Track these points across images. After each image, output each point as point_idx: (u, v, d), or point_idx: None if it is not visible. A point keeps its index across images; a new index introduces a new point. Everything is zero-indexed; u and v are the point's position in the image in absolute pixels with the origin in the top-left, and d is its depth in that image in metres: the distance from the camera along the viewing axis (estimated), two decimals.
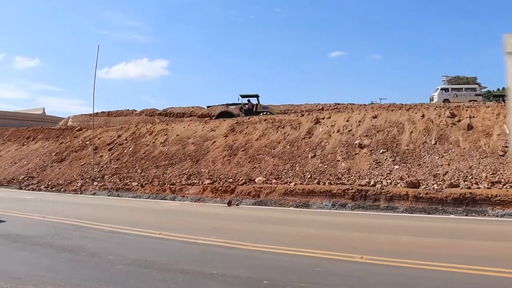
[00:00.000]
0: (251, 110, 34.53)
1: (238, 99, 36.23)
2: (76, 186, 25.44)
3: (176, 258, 8.90)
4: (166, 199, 20.35)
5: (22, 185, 28.23)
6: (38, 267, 8.50)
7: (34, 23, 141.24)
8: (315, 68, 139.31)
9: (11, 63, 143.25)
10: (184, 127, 28.41)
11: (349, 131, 21.68)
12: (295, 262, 8.52)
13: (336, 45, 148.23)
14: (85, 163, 28.58)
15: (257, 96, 35.31)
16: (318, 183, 18.59)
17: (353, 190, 17.00)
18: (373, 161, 19.13)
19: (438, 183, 16.88)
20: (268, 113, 33.67)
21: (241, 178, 20.54)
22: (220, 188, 19.98)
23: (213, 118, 35.75)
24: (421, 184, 16.97)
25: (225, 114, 35.56)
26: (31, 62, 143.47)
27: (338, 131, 21.94)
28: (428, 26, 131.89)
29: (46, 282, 7.52)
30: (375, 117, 22.20)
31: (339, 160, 19.96)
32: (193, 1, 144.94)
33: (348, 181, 18.23)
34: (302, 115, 25.51)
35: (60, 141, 34.63)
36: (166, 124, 30.46)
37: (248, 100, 35.19)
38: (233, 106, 37.55)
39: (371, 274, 7.57)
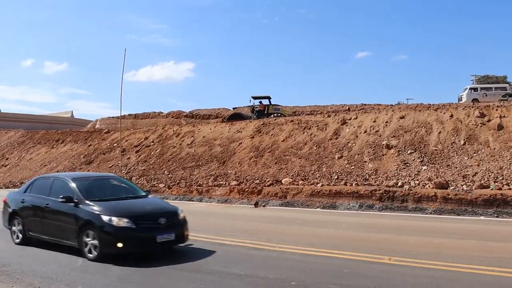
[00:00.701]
0: (262, 111, 34.60)
1: (250, 100, 36.28)
2: None
3: (204, 259, 8.95)
4: (193, 201, 20.47)
5: None
6: (69, 268, 8.64)
7: (63, 28, 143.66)
8: (341, 69, 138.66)
9: (40, 68, 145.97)
10: (210, 129, 28.53)
11: (376, 131, 21.50)
12: (323, 263, 8.49)
13: (362, 45, 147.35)
14: (113, 165, 28.91)
15: (269, 98, 35.34)
16: (345, 184, 18.48)
17: (381, 191, 16.86)
18: (401, 162, 18.93)
19: (468, 184, 16.63)
20: (280, 114, 33.68)
21: (267, 179, 20.54)
22: (247, 189, 20.01)
23: (225, 120, 35.92)
24: (450, 185, 16.73)
25: (236, 116, 35.82)
26: (59, 67, 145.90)
27: (365, 131, 21.77)
28: (456, 25, 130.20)
29: (77, 282, 7.63)
30: (402, 117, 21.97)
31: (366, 161, 19.81)
32: (219, 4, 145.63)
33: (375, 182, 18.08)
34: (329, 116, 25.39)
35: (89, 144, 35.09)
36: (193, 126, 30.62)
37: (260, 102, 35.20)
38: (247, 108, 37.52)
39: (400, 276, 7.49)
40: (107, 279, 7.77)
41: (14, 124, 52.73)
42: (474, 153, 18.55)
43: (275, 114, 33.76)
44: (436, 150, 19.20)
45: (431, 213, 15.27)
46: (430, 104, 29.58)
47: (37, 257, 9.69)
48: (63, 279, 7.85)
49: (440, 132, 20.20)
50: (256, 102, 35.42)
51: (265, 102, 35.14)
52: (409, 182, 17.38)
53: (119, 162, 28.34)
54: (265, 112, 34.30)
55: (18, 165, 37.73)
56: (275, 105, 35.37)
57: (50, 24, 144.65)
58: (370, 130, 21.68)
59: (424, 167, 18.27)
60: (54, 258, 9.51)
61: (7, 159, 40.62)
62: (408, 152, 19.37)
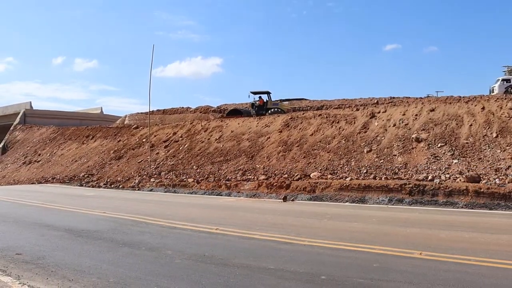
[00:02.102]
0: (261, 106, 34.99)
1: (249, 96, 36.96)
2: (134, 183, 26.06)
3: (234, 253, 8.98)
4: (221, 195, 20.56)
5: (83, 182, 29.17)
6: (101, 261, 8.77)
7: (92, 26, 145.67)
8: (369, 62, 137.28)
9: (71, 65, 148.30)
10: (238, 123, 28.59)
11: (405, 125, 21.26)
12: (353, 257, 8.44)
13: (391, 38, 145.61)
14: (142, 160, 29.22)
15: (268, 93, 35.81)
16: (374, 178, 18.35)
17: (411, 185, 16.68)
18: (431, 155, 18.69)
19: (500, 177, 16.33)
20: (278, 109, 34.24)
21: (296, 174, 20.51)
22: (275, 183, 20.01)
23: (224, 116, 36.47)
24: (481, 178, 16.46)
25: (234, 112, 36.39)
26: (89, 64, 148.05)
27: (394, 125, 21.55)
28: (488, 15, 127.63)
29: (109, 275, 7.74)
30: (432, 110, 21.68)
31: (395, 155, 19.61)
32: None
33: (405, 176, 17.90)
34: (357, 110, 25.21)
35: (118, 139, 35.53)
36: (221, 121, 30.75)
37: (260, 97, 35.56)
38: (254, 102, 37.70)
39: (431, 271, 7.41)
40: (138, 272, 7.86)
41: (46, 121, 53.67)
42: (507, 146, 18.19)
43: (274, 109, 34.38)
44: (467, 143, 18.90)
45: (462, 207, 15.05)
46: (460, 97, 29.15)
47: (69, 250, 9.86)
48: (95, 272, 7.98)
49: (471, 125, 19.86)
50: (256, 97, 35.96)
51: (265, 97, 35.69)
52: (440, 176, 17.15)
53: (148, 157, 28.64)
54: (264, 107, 34.76)
55: (50, 161, 38.47)
56: (274, 100, 36.00)
57: (80, 21, 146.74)
58: (399, 123, 21.45)
59: (455, 161, 18.00)
60: (86, 252, 9.68)
61: (39, 155, 41.44)
62: (439, 145, 19.11)
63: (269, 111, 33.97)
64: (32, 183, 33.40)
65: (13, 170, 40.96)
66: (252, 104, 35.97)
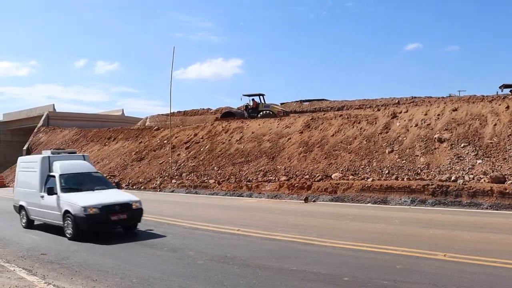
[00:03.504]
0: (254, 109, 35.51)
1: (241, 98, 37.44)
2: (155, 184, 26.22)
3: (256, 254, 8.98)
4: (242, 196, 20.59)
5: None
6: (124, 261, 8.85)
7: (113, 29, 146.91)
8: (389, 62, 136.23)
9: (93, 68, 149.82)
10: (259, 125, 28.58)
11: (427, 125, 21.02)
12: (375, 259, 8.39)
13: (411, 37, 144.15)
14: (163, 162, 29.39)
15: (261, 95, 36.05)
16: (396, 178, 18.19)
17: (433, 186, 16.50)
18: (454, 156, 18.46)
19: None
20: (269, 112, 34.49)
21: (317, 174, 20.44)
22: (297, 184, 19.97)
23: (218, 118, 36.93)
24: (507, 179, 16.19)
25: (228, 114, 36.86)
26: (111, 66, 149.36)
27: (416, 125, 21.31)
28: (509, 12, 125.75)
29: (132, 275, 7.81)
30: (455, 110, 21.40)
31: (417, 155, 19.41)
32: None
33: (427, 177, 17.71)
34: (378, 110, 25.02)
35: (139, 141, 35.76)
36: (241, 122, 30.74)
37: (253, 99, 35.90)
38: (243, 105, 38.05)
39: (456, 273, 7.31)
40: (161, 273, 7.91)
41: (68, 123, 54.22)
42: None
43: (265, 111, 34.63)
44: (491, 143, 18.61)
45: (487, 208, 14.84)
46: (484, 96, 28.73)
47: (93, 251, 9.98)
48: (118, 272, 8.05)
49: (495, 124, 19.55)
50: (247, 100, 36.47)
51: (258, 99, 36.22)
52: (463, 177, 16.93)
53: (170, 158, 28.78)
54: (257, 109, 35.19)
55: None
56: (267, 103, 36.24)
57: (101, 24, 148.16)
58: (422, 124, 21.22)
59: (479, 161, 17.75)
60: (109, 252, 9.77)
61: None
62: (462, 145, 18.86)
63: (260, 113, 34.46)
64: None
65: None
66: (246, 106, 36.43)
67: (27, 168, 14.43)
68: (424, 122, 21.14)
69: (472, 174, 17.00)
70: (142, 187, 26.54)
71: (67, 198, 11.89)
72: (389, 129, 21.92)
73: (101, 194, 12.45)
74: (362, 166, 19.97)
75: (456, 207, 15.23)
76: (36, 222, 13.80)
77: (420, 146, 19.74)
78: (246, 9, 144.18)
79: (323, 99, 46.80)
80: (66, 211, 11.68)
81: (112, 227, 12.10)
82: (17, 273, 8.10)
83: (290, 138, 25.04)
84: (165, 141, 32.54)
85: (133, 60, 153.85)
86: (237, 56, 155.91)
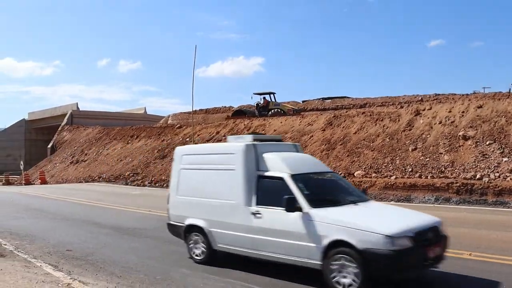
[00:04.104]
0: (265, 107, 35.84)
1: (251, 97, 37.97)
2: None
3: None
4: None
5: (128, 181, 29.72)
6: (147, 258, 8.94)
7: (136, 28, 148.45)
8: (412, 59, 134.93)
9: (115, 67, 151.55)
10: (281, 122, 28.55)
11: (451, 122, 20.76)
12: None
13: (435, 33, 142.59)
14: None
15: (272, 94, 36.42)
16: (420, 176, 18.02)
17: (458, 184, 16.32)
18: (479, 153, 18.20)
19: None
20: (279, 110, 35.02)
21: (340, 172, 20.32)
22: None
23: (230, 116, 37.32)
24: None
25: (239, 113, 37.22)
26: (133, 65, 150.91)
27: (440, 122, 21.07)
28: None
29: (156, 272, 7.87)
30: (480, 107, 21.09)
31: (441, 153, 19.19)
32: None
33: (451, 175, 17.51)
34: (401, 107, 24.80)
35: (162, 139, 35.98)
36: (263, 120, 30.74)
37: (264, 98, 36.21)
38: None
39: (482, 272, 7.24)
40: (184, 269, 7.94)
41: (92, 121, 54.88)
42: None
43: (275, 110, 35.18)
44: None
45: None
46: (510, 92, 28.28)
47: (117, 247, 10.08)
48: (142, 269, 8.13)
49: None
50: (258, 98, 36.91)
51: (269, 98, 36.68)
52: (489, 175, 16.70)
53: None
54: (267, 107, 35.52)
55: (96, 160, 39.30)
56: (277, 102, 36.79)
57: (123, 24, 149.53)
58: (446, 121, 20.96)
59: (505, 159, 17.48)
60: (133, 249, 9.86)
61: (86, 154, 42.39)
62: (487, 143, 18.59)
63: (270, 112, 34.69)
64: (79, 182, 34.26)
65: (61, 169, 42.07)
66: (257, 105, 36.70)
67: (207, 163, 9.07)
68: (448, 120, 20.89)
69: (497, 172, 16.75)
70: (165, 185, 26.66)
71: (333, 218, 7.01)
72: (413, 126, 21.71)
73: (376, 211, 7.98)
74: (385, 164, 19.83)
75: (481, 206, 15.04)
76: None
77: (444, 143, 19.51)
78: (267, 7, 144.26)
79: (345, 97, 46.60)
80: (338, 242, 6.73)
81: (426, 268, 7.09)
82: (44, 268, 8.23)
83: (312, 136, 24.97)
84: (187, 139, 32.69)
85: (155, 59, 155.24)
86: (258, 54, 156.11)
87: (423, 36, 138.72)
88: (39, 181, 38.25)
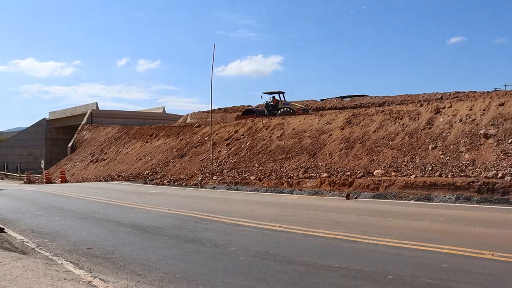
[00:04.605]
0: (274, 106, 36.59)
1: (261, 96, 38.80)
2: (197, 180, 26.45)
3: (298, 251, 8.95)
4: (283, 193, 20.55)
5: (147, 179, 29.90)
6: (167, 256, 8.96)
7: (154, 27, 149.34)
8: (433, 56, 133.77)
9: (134, 66, 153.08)
10: (299, 121, 28.49)
11: (472, 120, 20.52)
12: (419, 257, 8.24)
13: (455, 30, 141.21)
14: (204, 158, 29.62)
15: (281, 93, 37.11)
16: (440, 175, 17.84)
17: (479, 183, 16.12)
18: (501, 152, 17.96)
19: None
20: (288, 109, 35.59)
21: (359, 171, 20.24)
22: (338, 181, 19.83)
23: (239, 116, 37.87)
24: None
25: (249, 112, 37.87)
26: (152, 64, 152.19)
27: (461, 120, 20.84)
28: None
29: (175, 271, 7.89)
30: (501, 104, 20.80)
31: (462, 151, 18.98)
32: None
33: (472, 174, 17.30)
34: (421, 105, 24.58)
35: (180, 138, 36.15)
36: (282, 119, 30.71)
37: (273, 97, 36.73)
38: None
39: (505, 273, 7.12)
40: (203, 268, 7.97)
41: (111, 120, 55.41)
42: None
43: (284, 109, 35.80)
44: None
45: None
46: None
47: (137, 246, 10.12)
48: (162, 267, 8.15)
49: None
50: (267, 97, 37.45)
51: (278, 97, 37.28)
52: (511, 173, 16.47)
53: (211, 155, 29.00)
54: (276, 107, 36.03)
55: (116, 159, 39.64)
56: (286, 101, 37.45)
57: (142, 23, 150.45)
58: (466, 119, 20.73)
59: None
60: (152, 247, 9.90)
61: (105, 153, 42.80)
62: (509, 141, 18.33)
63: (280, 111, 35.11)
64: (99, 181, 34.55)
65: (81, 168, 42.50)
66: (266, 104, 37.10)
67: None
68: (469, 118, 20.65)
69: None
70: (184, 184, 26.82)
71: None
72: (432, 124, 21.52)
73: None
74: (405, 163, 19.67)
75: (504, 205, 14.81)
76: None
77: (464, 142, 19.30)
78: (286, 6, 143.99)
79: (363, 95, 46.55)
80: None
81: None
82: (65, 266, 8.31)
83: (331, 135, 24.88)
84: (206, 138, 32.81)
85: (174, 58, 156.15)
86: (277, 53, 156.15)
87: (444, 33, 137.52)
88: (60, 179, 38.68)
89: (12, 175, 58.05)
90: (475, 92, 37.97)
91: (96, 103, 61.45)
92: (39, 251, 9.87)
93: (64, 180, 37.92)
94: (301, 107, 37.83)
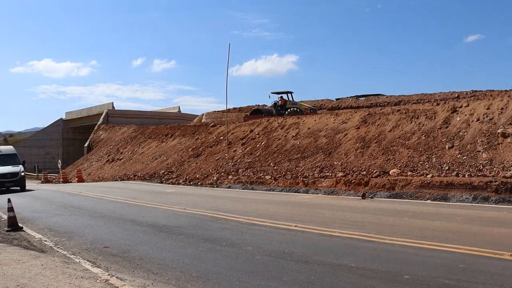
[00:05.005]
0: (283, 106, 36.94)
1: (269, 96, 39.54)
2: (212, 180, 26.50)
3: (314, 250, 8.94)
4: (299, 192, 20.52)
5: (163, 179, 30.02)
6: (183, 255, 9.00)
7: (171, 27, 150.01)
8: (449, 55, 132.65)
9: (150, 66, 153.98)
10: (315, 120, 28.43)
11: (490, 119, 20.31)
12: (437, 257, 8.18)
13: (472, 28, 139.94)
14: (219, 158, 29.68)
15: (290, 93, 37.55)
16: (457, 175, 17.68)
17: (497, 183, 15.93)
18: None
19: None
20: (296, 109, 36.13)
21: (374, 171, 20.14)
22: (354, 180, 19.75)
23: (248, 115, 38.20)
24: None
25: (256, 112, 38.09)
26: (167, 64, 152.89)
27: (478, 119, 20.63)
28: None
29: (191, 270, 7.92)
30: None
31: (479, 151, 18.80)
32: None
33: (490, 173, 17.12)
34: (437, 104, 24.39)
35: (196, 137, 36.26)
36: (297, 118, 30.67)
37: (281, 97, 36.93)
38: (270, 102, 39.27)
39: None
40: (219, 267, 7.99)
41: (127, 120, 55.74)
42: None
43: (292, 109, 36.34)
44: None
45: None
46: None
47: (153, 245, 10.18)
48: (178, 266, 8.19)
49: None
50: (275, 97, 37.82)
51: (286, 97, 37.61)
52: None
53: (226, 154, 29.04)
54: (285, 107, 36.24)
55: (131, 159, 39.87)
56: (294, 101, 38.01)
57: (159, 23, 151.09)
58: (484, 118, 20.52)
59: None
60: (168, 246, 9.95)
61: (121, 153, 43.06)
62: None
63: (288, 111, 35.35)
64: (115, 180, 34.78)
65: (97, 167, 42.82)
66: (275, 104, 37.34)
67: None
68: (487, 117, 20.44)
69: None
70: (199, 183, 26.89)
71: None
72: (449, 124, 21.34)
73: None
74: (421, 162, 19.53)
75: None
76: None
77: (482, 141, 19.11)
78: (300, 5, 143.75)
79: (379, 94, 46.36)
80: None
81: None
82: (82, 264, 8.39)
83: (346, 134, 24.79)
84: (221, 138, 32.87)
85: (189, 57, 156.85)
86: (292, 52, 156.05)
87: (460, 31, 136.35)
88: (76, 179, 39.01)
89: (30, 174, 58.62)
90: (493, 91, 37.54)
91: (112, 103, 61.88)
92: (57, 249, 10.00)
93: (81, 180, 38.23)
94: (309, 107, 38.14)
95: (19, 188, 27.96)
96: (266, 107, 42.27)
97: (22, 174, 28.46)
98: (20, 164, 28.96)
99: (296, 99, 39.04)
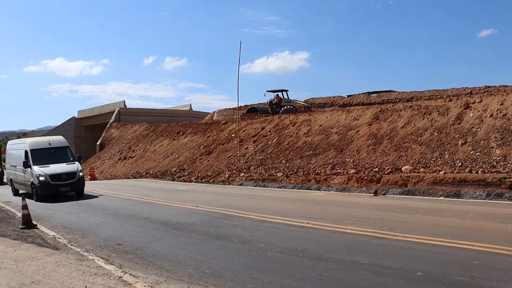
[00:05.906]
0: (278, 104, 37.30)
1: (265, 94, 39.88)
2: (224, 177, 26.53)
3: (326, 247, 8.93)
4: (311, 189, 20.48)
5: (175, 176, 30.11)
6: (196, 253, 9.03)
7: (182, 25, 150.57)
8: (462, 50, 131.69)
9: (161, 64, 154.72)
10: (326, 117, 28.34)
11: (504, 115, 20.12)
12: (449, 254, 8.14)
13: (486, 23, 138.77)
14: (231, 155, 29.69)
15: (285, 91, 38.05)
16: (470, 171, 17.56)
17: (511, 179, 15.80)
18: None
19: None
20: (291, 107, 36.47)
21: (387, 167, 20.05)
22: (366, 177, 19.68)
23: (244, 114, 38.38)
24: None
25: (252, 110, 38.43)
26: (179, 62, 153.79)
27: (491, 115, 20.46)
28: None
29: (204, 266, 7.95)
30: None
31: (493, 147, 18.64)
32: None
33: (504, 170, 16.97)
34: (450, 100, 24.20)
35: (207, 135, 36.30)
36: (309, 115, 30.59)
37: (277, 95, 37.09)
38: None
39: None
40: (232, 264, 8.01)
41: (139, 118, 55.89)
42: None
43: (287, 107, 36.66)
44: None
45: None
46: None
47: (165, 242, 10.23)
48: (191, 263, 8.22)
49: None
50: (271, 95, 37.99)
51: (281, 95, 37.97)
52: None
53: (238, 152, 29.06)
54: (280, 105, 36.40)
55: (143, 157, 40.01)
56: (289, 99, 38.45)
57: (170, 21, 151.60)
58: (497, 114, 20.34)
59: None
60: (181, 244, 9.99)
61: (133, 151, 43.22)
62: None
63: (283, 109, 35.48)
64: (127, 178, 34.93)
65: (109, 165, 43.03)
66: (270, 102, 37.53)
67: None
68: (500, 112, 20.25)
69: None
70: (211, 180, 26.93)
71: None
72: (462, 120, 21.18)
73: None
74: (434, 159, 19.41)
75: None
76: None
77: (495, 137, 18.95)
78: (311, 2, 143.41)
79: (391, 91, 46.13)
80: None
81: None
82: (96, 262, 8.46)
83: (358, 131, 24.70)
84: (233, 135, 32.89)
85: (200, 55, 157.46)
86: (303, 49, 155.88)
87: (473, 26, 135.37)
88: (89, 177, 39.17)
89: None
90: (506, 86, 37.21)
91: (124, 101, 62.10)
92: (71, 247, 10.08)
93: (93, 178, 38.40)
94: (303, 104, 38.65)
95: (75, 193, 21.15)
96: (256, 106, 42.65)
97: (81, 174, 21.19)
98: (76, 161, 21.71)
99: (308, 96, 39.44)
